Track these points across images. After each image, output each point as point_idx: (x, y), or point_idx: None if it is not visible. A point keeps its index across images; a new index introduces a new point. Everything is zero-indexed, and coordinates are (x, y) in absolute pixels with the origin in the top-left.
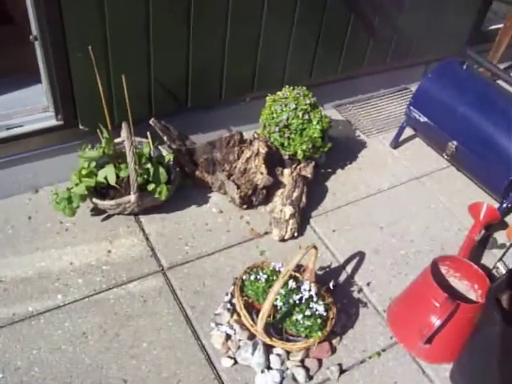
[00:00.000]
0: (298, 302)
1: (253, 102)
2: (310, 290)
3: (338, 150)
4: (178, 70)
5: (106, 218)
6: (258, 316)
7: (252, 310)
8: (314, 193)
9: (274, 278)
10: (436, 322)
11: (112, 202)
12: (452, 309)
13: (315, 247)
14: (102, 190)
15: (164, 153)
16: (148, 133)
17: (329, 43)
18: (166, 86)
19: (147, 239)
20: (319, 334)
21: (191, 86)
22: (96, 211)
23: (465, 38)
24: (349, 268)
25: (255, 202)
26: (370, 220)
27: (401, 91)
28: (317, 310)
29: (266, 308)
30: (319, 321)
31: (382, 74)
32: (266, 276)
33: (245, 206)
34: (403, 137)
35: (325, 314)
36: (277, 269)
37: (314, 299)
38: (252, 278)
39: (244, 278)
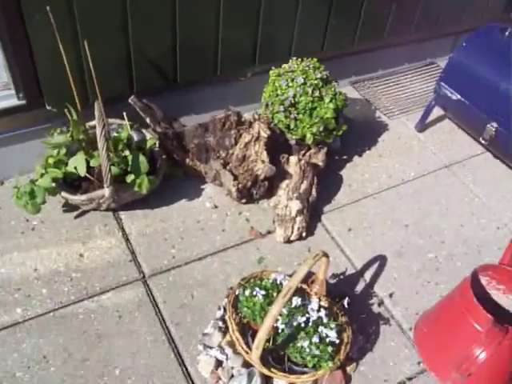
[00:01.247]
0: (303, 324)
1: (255, 79)
2: (318, 311)
3: (355, 133)
4: (163, 37)
5: (79, 214)
6: (254, 339)
7: (248, 331)
8: (325, 184)
9: (275, 293)
10: (480, 354)
11: (83, 197)
12: (501, 337)
13: (326, 255)
14: (74, 182)
15: (147, 136)
16: (124, 113)
17: (344, 9)
18: (148, 56)
19: (127, 240)
20: (330, 364)
21: (180, 58)
22: (69, 206)
23: (501, 6)
24: (367, 275)
25: (256, 195)
26: (393, 217)
27: (426, 66)
28: (327, 336)
29: (261, 336)
30: (330, 348)
31: (406, 47)
32: (264, 292)
33: (243, 201)
34: (430, 118)
35: (337, 340)
36: (278, 282)
37: (324, 321)
38: (247, 293)
39: (237, 292)
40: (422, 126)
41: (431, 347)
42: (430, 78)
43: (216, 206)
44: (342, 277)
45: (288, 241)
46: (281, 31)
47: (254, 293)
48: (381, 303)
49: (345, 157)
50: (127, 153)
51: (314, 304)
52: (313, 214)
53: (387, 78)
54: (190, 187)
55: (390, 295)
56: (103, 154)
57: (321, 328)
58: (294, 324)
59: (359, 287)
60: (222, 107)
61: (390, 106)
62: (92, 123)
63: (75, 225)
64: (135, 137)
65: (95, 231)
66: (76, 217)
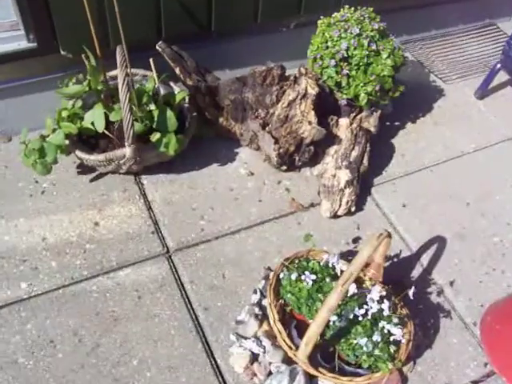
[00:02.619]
0: (360, 317)
1: (298, 30)
2: (380, 302)
3: (408, 97)
4: None
5: (96, 177)
6: (298, 332)
7: (291, 321)
8: (375, 153)
9: (327, 279)
10: None
11: (101, 157)
12: None
13: (390, 235)
14: (90, 140)
15: (176, 91)
16: (151, 60)
17: None
18: None
19: (149, 208)
20: (389, 365)
21: (216, 2)
22: (83, 168)
23: None
24: (424, 259)
25: (298, 161)
26: (452, 192)
27: (484, 28)
28: (390, 334)
29: (313, 331)
30: (392, 348)
31: (462, 4)
32: (314, 276)
33: (284, 167)
34: (490, 85)
35: (403, 339)
36: (330, 264)
37: (386, 313)
38: (293, 276)
39: (281, 275)
40: (483, 92)
41: (504, 347)
42: (489, 41)
43: (252, 173)
44: (395, 259)
45: (335, 216)
46: None
47: (303, 277)
48: (440, 292)
49: (397, 123)
50: (153, 107)
51: (374, 293)
52: (362, 185)
53: (441, 39)
54: (222, 150)
55: (451, 283)
56: (125, 105)
57: (382, 323)
58: (350, 316)
59: (415, 273)
60: (261, 61)
61: (445, 70)
62: (112, 73)
63: (90, 189)
64: (162, 90)
65: (113, 197)
66: (92, 180)
